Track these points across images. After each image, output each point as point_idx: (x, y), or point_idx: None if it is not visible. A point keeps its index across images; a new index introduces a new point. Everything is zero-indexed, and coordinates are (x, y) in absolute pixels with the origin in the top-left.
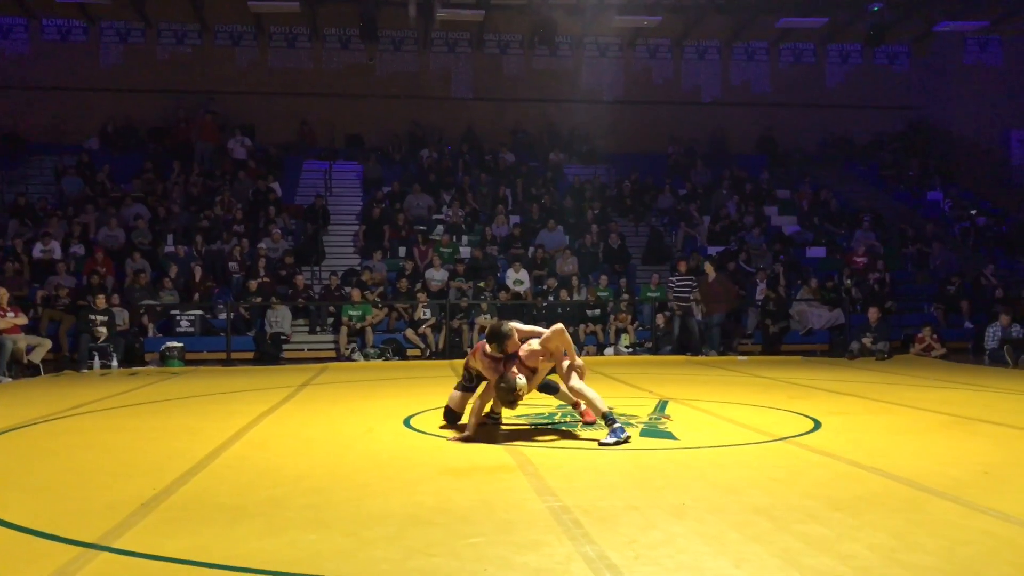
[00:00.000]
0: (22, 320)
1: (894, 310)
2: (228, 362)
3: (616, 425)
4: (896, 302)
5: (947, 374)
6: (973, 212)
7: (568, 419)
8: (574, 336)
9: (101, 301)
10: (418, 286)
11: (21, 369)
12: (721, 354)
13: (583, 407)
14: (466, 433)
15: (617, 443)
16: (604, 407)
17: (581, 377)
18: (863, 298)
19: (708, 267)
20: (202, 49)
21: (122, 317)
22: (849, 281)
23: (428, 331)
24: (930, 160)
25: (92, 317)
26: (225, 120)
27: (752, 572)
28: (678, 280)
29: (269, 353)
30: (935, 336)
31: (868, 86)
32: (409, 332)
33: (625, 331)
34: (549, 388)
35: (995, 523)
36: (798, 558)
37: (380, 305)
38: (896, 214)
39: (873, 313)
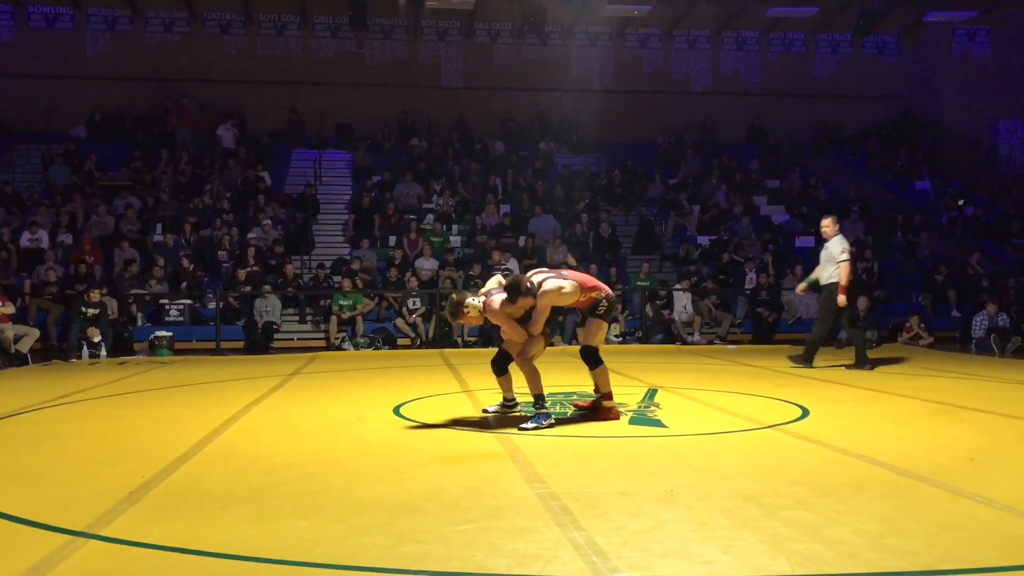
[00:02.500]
0: (9, 309)
1: (882, 299)
2: (217, 351)
3: (543, 410)
4: (884, 291)
5: (934, 362)
6: (961, 202)
7: (558, 407)
8: (564, 325)
9: (95, 296)
10: (408, 275)
11: (8, 359)
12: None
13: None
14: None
15: (536, 428)
16: (541, 389)
17: (531, 355)
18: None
19: (570, 258)
20: (190, 37)
21: (111, 306)
22: None
23: (418, 320)
24: (918, 150)
25: (84, 310)
26: (205, 106)
27: (740, 557)
28: (494, 269)
29: (259, 343)
30: (923, 325)
31: (857, 76)
32: (399, 321)
33: (615, 320)
34: (592, 358)
35: (980, 508)
36: (785, 543)
37: (373, 296)
38: (884, 204)
39: (862, 302)
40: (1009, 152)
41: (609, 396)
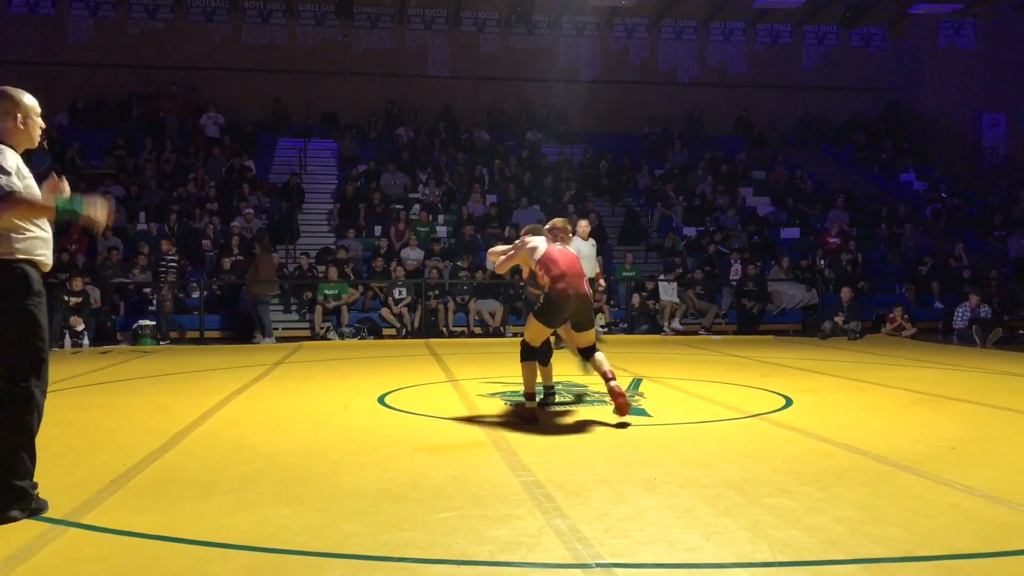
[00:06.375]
0: None
1: (866, 290)
2: (201, 340)
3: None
4: (868, 282)
5: (917, 353)
6: (944, 194)
7: (541, 396)
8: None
9: (78, 283)
10: (393, 264)
11: None
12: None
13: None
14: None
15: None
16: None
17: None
18: (836, 278)
19: (263, 245)
20: (174, 24)
21: (93, 295)
22: (822, 261)
23: (404, 310)
24: (903, 142)
25: (66, 298)
26: (196, 95)
27: (721, 544)
28: (165, 256)
29: (244, 332)
30: (906, 316)
31: (844, 68)
32: (384, 311)
33: (600, 311)
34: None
35: (960, 496)
36: (767, 530)
37: (358, 285)
38: (869, 195)
39: (846, 293)
40: (992, 144)
41: (531, 397)
